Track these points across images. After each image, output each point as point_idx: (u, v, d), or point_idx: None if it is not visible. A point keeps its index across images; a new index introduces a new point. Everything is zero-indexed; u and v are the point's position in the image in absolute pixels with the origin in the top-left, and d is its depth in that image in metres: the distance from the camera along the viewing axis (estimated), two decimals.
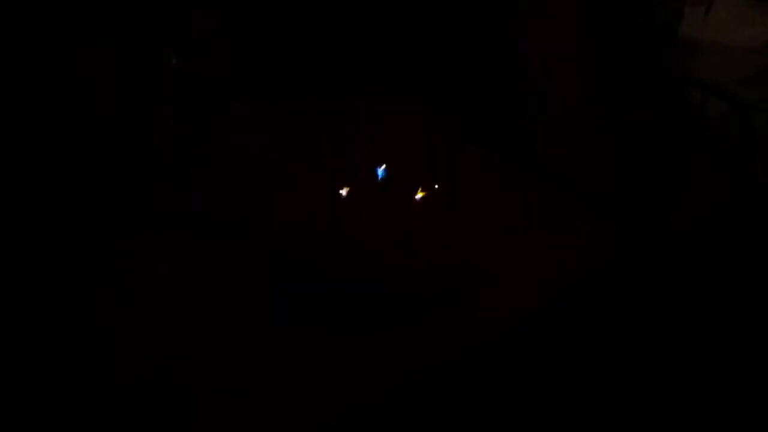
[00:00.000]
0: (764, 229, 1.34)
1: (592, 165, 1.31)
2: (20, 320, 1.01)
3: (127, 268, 1.10)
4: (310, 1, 1.48)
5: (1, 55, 1.21)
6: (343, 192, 1.05)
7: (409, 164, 1.12)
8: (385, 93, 1.43)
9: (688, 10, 1.59)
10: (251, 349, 0.97)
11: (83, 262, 1.10)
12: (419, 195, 1.05)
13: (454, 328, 1.03)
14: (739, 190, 1.36)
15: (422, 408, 0.97)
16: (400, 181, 1.07)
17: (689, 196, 1.31)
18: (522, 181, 1.33)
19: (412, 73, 1.45)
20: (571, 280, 1.13)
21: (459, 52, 1.44)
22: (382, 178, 1.08)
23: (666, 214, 1.26)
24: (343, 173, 1.10)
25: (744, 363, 1.26)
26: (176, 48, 1.31)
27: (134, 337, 0.97)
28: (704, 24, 1.66)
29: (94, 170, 1.21)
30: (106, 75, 1.22)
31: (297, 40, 1.45)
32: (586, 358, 1.16)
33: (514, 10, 1.42)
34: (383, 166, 1.08)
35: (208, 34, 1.38)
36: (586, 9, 1.37)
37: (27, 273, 1.08)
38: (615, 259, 1.19)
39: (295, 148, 1.34)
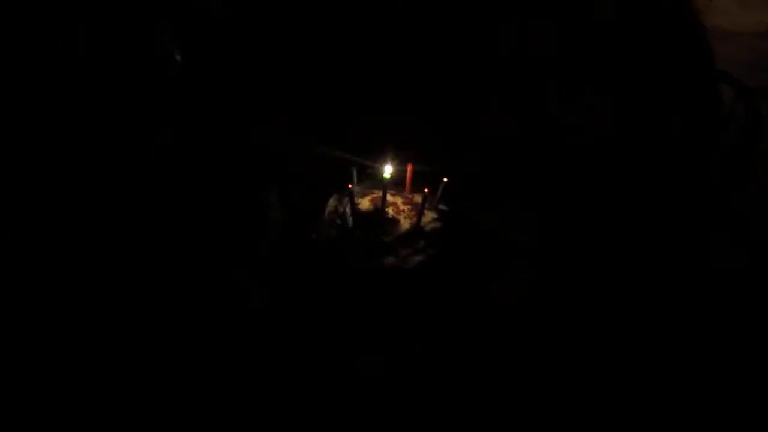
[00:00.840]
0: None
1: None
2: (20, 320, 1.01)
3: None
4: (311, 1, 1.47)
5: (1, 56, 1.21)
6: None
7: None
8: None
9: None
10: None
11: (83, 262, 1.10)
12: None
13: None
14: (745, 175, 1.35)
15: None
16: None
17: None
18: None
19: (411, 73, 1.44)
20: None
21: (459, 52, 1.43)
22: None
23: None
24: None
25: None
26: (180, 45, 1.32)
27: None
28: (709, 9, 1.64)
29: (95, 170, 1.22)
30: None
31: (297, 40, 1.45)
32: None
33: (513, 10, 1.42)
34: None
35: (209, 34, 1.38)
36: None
37: (27, 273, 1.08)
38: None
39: None
